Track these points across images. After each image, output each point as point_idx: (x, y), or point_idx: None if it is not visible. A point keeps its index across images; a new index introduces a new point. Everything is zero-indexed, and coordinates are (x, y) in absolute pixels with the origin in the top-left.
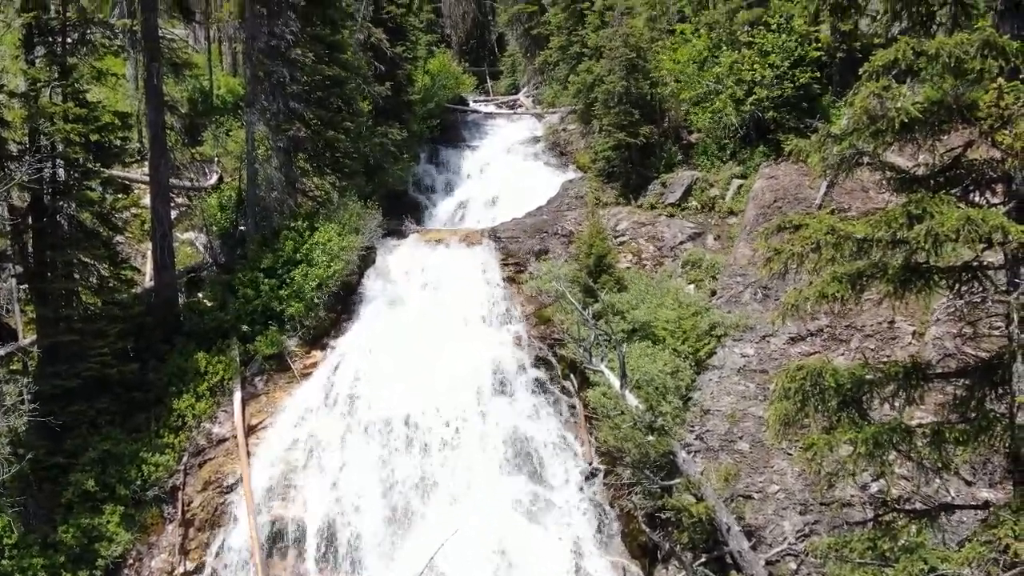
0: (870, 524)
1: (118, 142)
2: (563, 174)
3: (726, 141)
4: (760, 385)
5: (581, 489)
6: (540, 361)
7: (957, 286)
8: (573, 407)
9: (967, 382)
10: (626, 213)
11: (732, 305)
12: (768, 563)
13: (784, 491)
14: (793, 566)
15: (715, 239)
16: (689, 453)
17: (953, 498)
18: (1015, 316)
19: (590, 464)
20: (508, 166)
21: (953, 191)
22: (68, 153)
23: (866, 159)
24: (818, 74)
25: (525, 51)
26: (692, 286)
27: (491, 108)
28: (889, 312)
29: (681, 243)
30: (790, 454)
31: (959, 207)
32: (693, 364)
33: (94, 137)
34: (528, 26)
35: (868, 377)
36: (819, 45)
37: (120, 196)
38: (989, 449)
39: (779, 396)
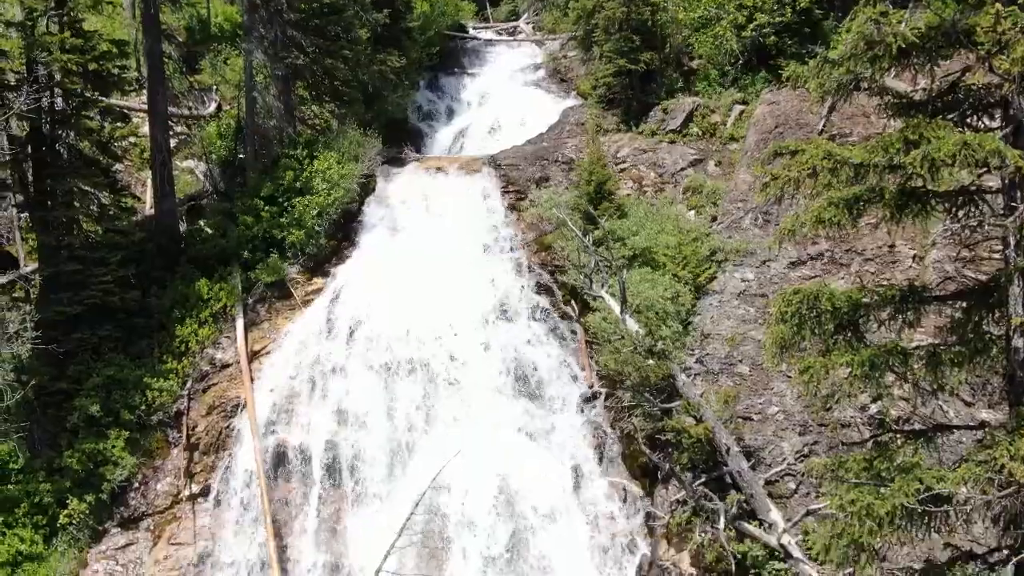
0: (868, 444)
1: (116, 71)
2: (564, 101)
3: (727, 67)
4: (760, 309)
5: (582, 412)
6: (541, 287)
7: (954, 210)
8: (574, 332)
9: (964, 305)
10: (627, 140)
11: (733, 231)
12: (767, 482)
13: (783, 413)
14: (792, 485)
15: (716, 165)
16: (689, 376)
17: (951, 419)
18: (1012, 239)
19: (591, 387)
20: (508, 93)
21: (951, 116)
22: (66, 83)
23: (864, 84)
24: None
25: None
26: (693, 212)
27: (491, 35)
28: (889, 236)
29: (682, 169)
30: (789, 376)
31: (957, 131)
32: (693, 289)
33: (92, 66)
34: None
35: (865, 300)
36: None
37: (119, 124)
38: (986, 371)
39: (776, 320)
